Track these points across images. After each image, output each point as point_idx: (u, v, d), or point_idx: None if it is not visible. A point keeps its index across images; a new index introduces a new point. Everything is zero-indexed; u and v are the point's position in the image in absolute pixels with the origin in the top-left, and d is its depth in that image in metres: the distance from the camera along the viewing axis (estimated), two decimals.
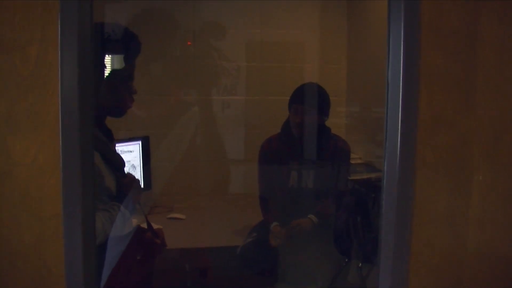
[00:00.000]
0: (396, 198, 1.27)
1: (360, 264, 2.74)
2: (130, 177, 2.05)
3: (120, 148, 3.10)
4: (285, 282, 2.84)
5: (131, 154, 3.18)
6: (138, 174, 3.23)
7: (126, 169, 3.14)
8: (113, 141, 2.03)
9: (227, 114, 3.79)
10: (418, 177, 1.34)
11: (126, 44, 1.93)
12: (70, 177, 1.25)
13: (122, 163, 2.04)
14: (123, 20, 3.43)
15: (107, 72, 1.92)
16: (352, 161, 3.32)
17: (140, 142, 3.24)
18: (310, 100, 2.83)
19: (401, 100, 1.25)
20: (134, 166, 3.21)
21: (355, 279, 2.77)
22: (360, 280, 2.72)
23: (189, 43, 3.69)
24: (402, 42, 1.27)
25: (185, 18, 3.63)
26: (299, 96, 2.86)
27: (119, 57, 2.00)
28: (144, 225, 2.18)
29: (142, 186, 3.21)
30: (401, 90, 1.25)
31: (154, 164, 3.43)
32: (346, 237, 2.84)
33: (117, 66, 2.03)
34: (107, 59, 1.94)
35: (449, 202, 1.42)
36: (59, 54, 1.24)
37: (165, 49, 3.58)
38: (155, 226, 3.00)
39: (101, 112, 1.88)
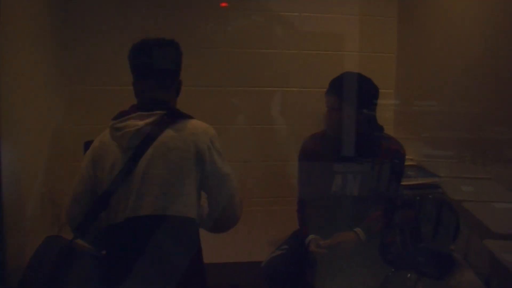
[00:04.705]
0: None
1: (409, 275, 2.26)
2: None
3: None
4: None
5: None
6: None
7: None
8: None
9: (268, 106, 3.18)
10: None
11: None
12: None
13: None
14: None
15: None
16: None
17: None
18: (348, 93, 2.20)
19: None
20: None
21: None
22: None
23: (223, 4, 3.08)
24: None
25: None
26: (332, 88, 2.24)
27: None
28: None
29: None
30: None
31: None
32: (393, 247, 2.31)
33: None
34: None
35: None
36: None
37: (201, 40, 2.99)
38: None
39: None
